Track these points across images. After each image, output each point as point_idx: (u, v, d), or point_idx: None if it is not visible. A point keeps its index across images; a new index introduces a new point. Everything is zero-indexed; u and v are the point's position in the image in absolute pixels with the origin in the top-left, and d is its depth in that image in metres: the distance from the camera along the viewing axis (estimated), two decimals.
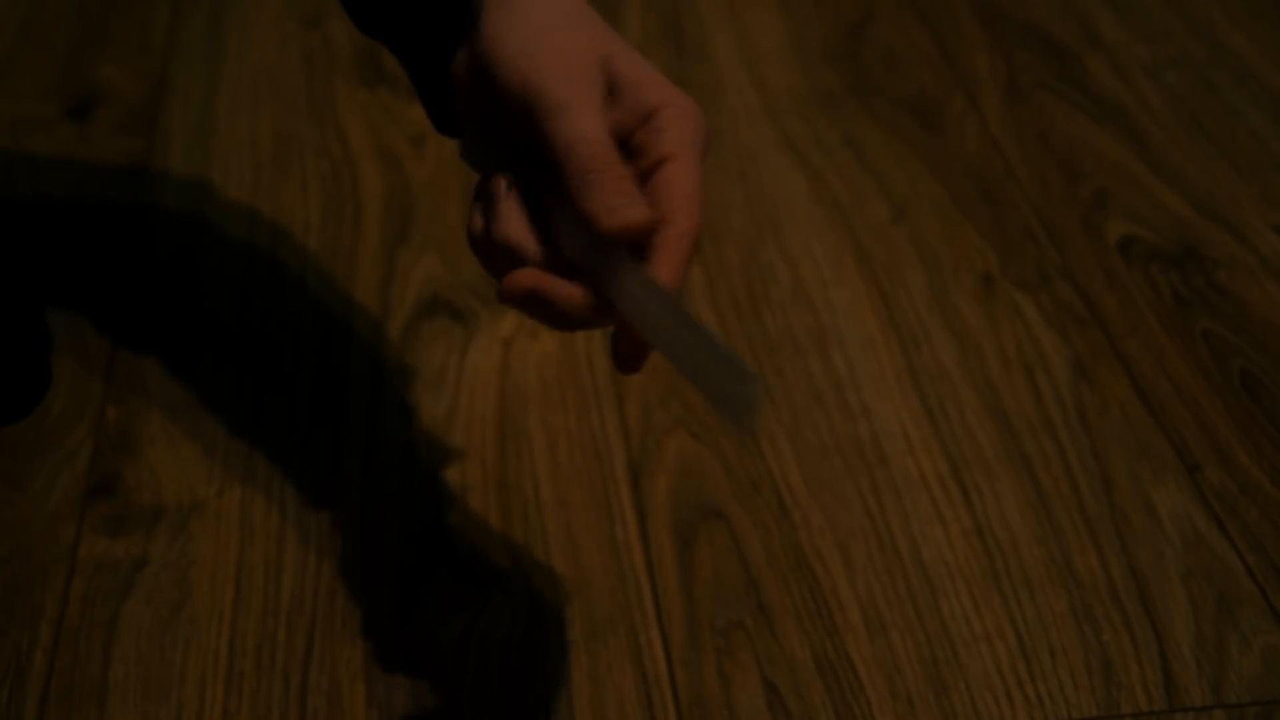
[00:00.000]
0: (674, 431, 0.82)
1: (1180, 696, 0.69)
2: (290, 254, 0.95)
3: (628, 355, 0.60)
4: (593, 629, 0.72)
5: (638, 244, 0.58)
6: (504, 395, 0.84)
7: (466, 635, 0.72)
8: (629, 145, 0.60)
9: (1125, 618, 0.72)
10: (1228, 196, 0.98)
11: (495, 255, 0.60)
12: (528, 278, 0.58)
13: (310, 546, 0.76)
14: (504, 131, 0.63)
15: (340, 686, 0.70)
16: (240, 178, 1.01)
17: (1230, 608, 0.73)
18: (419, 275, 0.92)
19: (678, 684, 0.70)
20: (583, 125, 0.59)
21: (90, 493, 0.79)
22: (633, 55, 0.62)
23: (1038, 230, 0.96)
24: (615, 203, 0.57)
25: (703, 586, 0.74)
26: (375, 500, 0.78)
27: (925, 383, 0.85)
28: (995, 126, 1.05)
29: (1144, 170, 1.01)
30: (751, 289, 0.91)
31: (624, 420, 0.83)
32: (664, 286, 0.57)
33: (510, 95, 0.60)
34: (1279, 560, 0.75)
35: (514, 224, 0.59)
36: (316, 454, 0.81)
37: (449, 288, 0.91)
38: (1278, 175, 1.00)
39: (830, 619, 0.72)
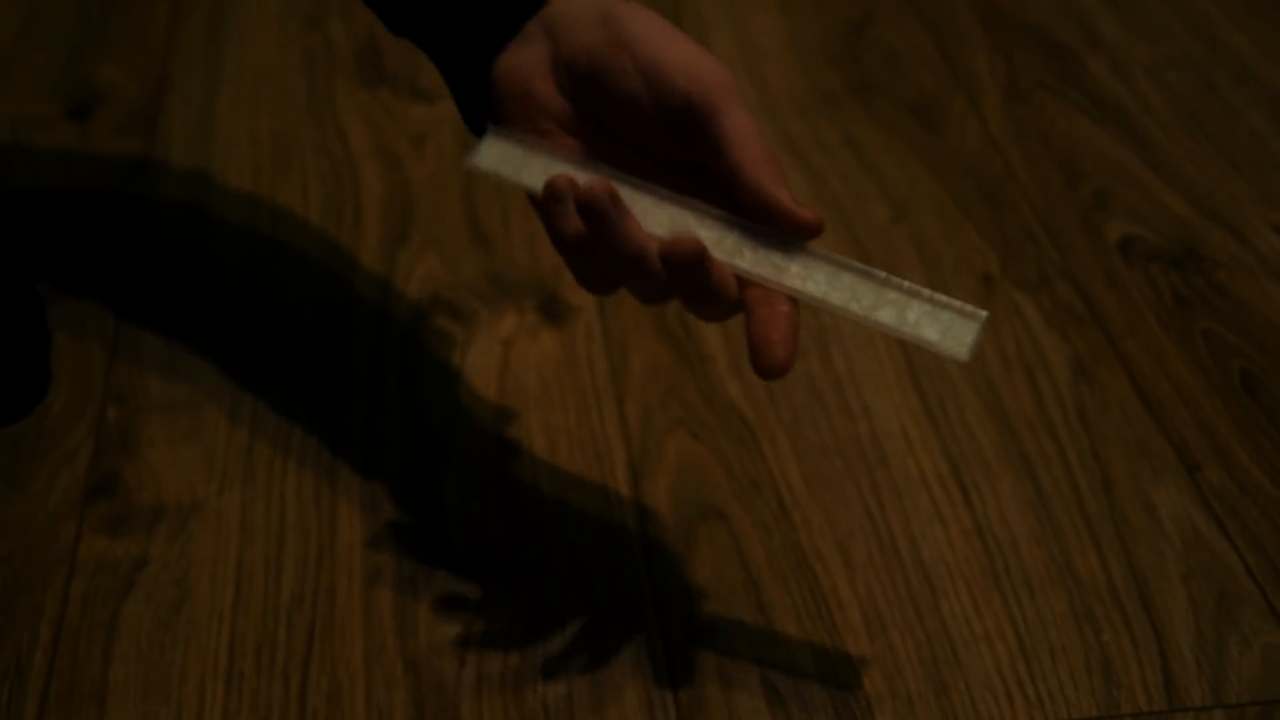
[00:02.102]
0: (674, 431, 0.82)
1: (1180, 696, 0.69)
2: (290, 254, 0.95)
3: (780, 355, 0.60)
4: (593, 629, 0.72)
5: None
6: (504, 395, 0.84)
7: (466, 635, 0.72)
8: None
9: (1125, 618, 0.72)
10: (1228, 196, 0.98)
11: (612, 263, 0.61)
12: (697, 239, 0.60)
13: (310, 546, 0.76)
14: (597, 130, 0.65)
15: (340, 686, 0.70)
16: (240, 177, 1.01)
17: (1230, 608, 0.73)
18: (419, 275, 0.92)
19: (678, 684, 0.70)
20: (750, 122, 0.63)
21: (90, 493, 0.79)
22: None
23: (1038, 230, 0.96)
24: (797, 202, 0.62)
25: (703, 586, 0.74)
26: (375, 500, 0.78)
27: (925, 383, 0.85)
28: (995, 126, 1.05)
29: (1144, 170, 1.01)
30: None
31: (624, 420, 0.83)
32: (837, 256, 0.62)
33: (671, 94, 0.63)
34: (1279, 560, 0.75)
35: (637, 231, 0.61)
36: (316, 454, 0.81)
37: (449, 288, 0.91)
38: (1278, 175, 1.00)
39: (830, 619, 0.72)
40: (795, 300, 0.62)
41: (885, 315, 0.61)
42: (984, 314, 0.61)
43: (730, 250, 0.62)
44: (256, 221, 0.97)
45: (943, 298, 0.61)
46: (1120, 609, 0.73)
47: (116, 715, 0.69)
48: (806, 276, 0.62)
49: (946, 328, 0.61)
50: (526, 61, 0.65)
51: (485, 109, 0.67)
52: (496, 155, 0.66)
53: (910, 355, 0.87)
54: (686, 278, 0.60)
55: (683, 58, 0.63)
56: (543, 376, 0.86)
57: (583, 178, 0.63)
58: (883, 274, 0.62)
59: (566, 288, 0.91)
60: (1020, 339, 0.88)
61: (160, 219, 0.98)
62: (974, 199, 0.99)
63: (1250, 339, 0.87)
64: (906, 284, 0.62)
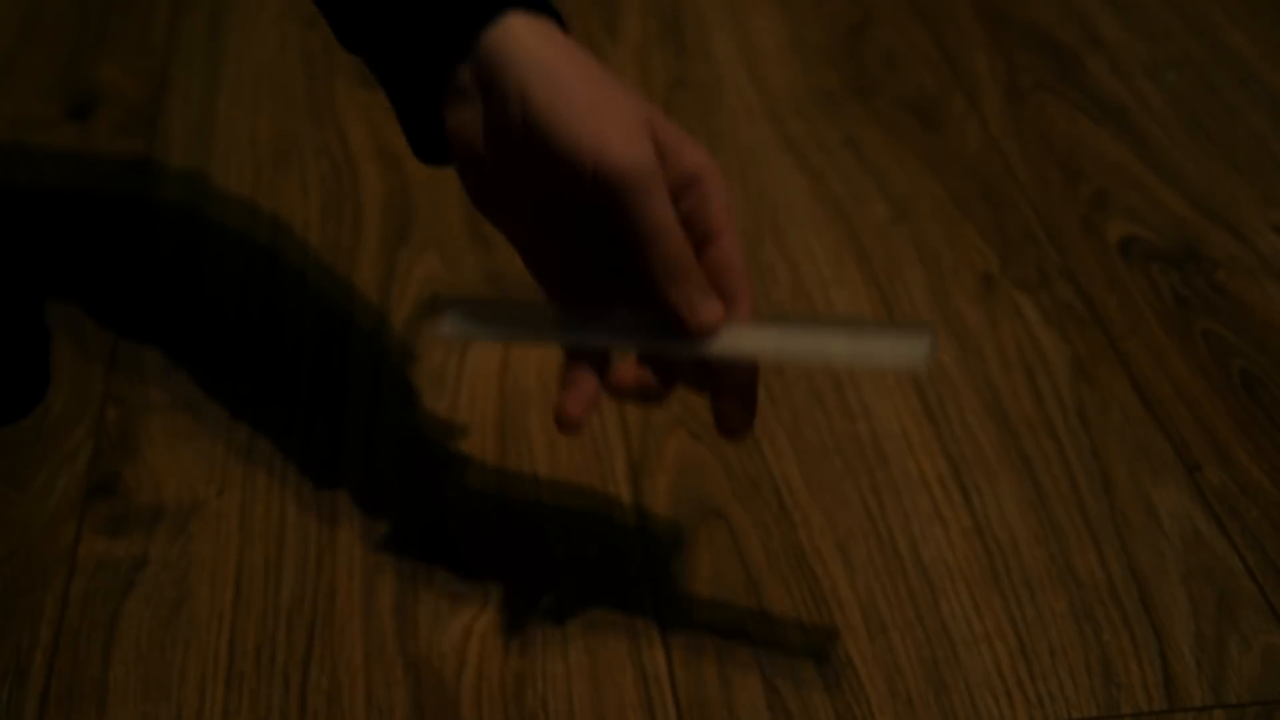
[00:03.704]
0: (674, 431, 0.82)
1: (1180, 696, 0.69)
2: (290, 254, 0.95)
3: (735, 419, 0.66)
4: (593, 629, 0.72)
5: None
6: (504, 395, 0.84)
7: (466, 635, 0.72)
8: (676, 209, 0.63)
9: (1125, 618, 0.72)
10: (1228, 196, 0.98)
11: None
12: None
13: (310, 546, 0.76)
14: (517, 186, 0.65)
15: (340, 686, 0.70)
16: (240, 178, 1.01)
17: (1230, 608, 0.73)
18: (419, 275, 0.92)
19: (678, 684, 0.70)
20: (664, 212, 0.62)
21: (90, 493, 0.79)
22: (660, 114, 0.64)
23: (1038, 230, 0.96)
24: (698, 301, 0.63)
25: (703, 586, 0.74)
26: (375, 501, 0.78)
27: (925, 383, 0.85)
28: (995, 126, 1.05)
29: (1144, 170, 1.01)
30: (751, 289, 0.91)
31: (624, 420, 0.83)
32: (761, 320, 0.65)
33: (575, 171, 0.61)
34: (1279, 560, 0.75)
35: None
36: (316, 454, 0.81)
37: (449, 287, 0.91)
38: (1278, 175, 1.00)
39: (830, 619, 0.72)
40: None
41: (837, 348, 0.64)
42: (928, 332, 0.62)
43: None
44: (256, 222, 0.97)
45: (885, 324, 0.64)
46: (1120, 609, 0.73)
47: (116, 715, 0.69)
48: (761, 345, 0.65)
49: (895, 347, 0.63)
50: (467, 125, 0.64)
51: (439, 146, 0.68)
52: (462, 323, 0.69)
53: None
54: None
55: (593, 141, 0.60)
56: (543, 376, 0.86)
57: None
58: (822, 317, 0.66)
59: None
60: (1020, 339, 0.88)
61: (160, 219, 0.98)
62: (974, 199, 0.99)
63: (1250, 339, 0.87)
64: (845, 317, 0.64)
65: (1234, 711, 0.68)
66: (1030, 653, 0.71)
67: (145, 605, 0.73)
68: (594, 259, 0.66)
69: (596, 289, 0.67)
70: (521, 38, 0.62)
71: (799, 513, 0.78)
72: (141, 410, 0.83)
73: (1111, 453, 0.81)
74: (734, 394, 0.65)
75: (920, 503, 0.78)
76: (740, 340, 0.64)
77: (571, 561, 0.75)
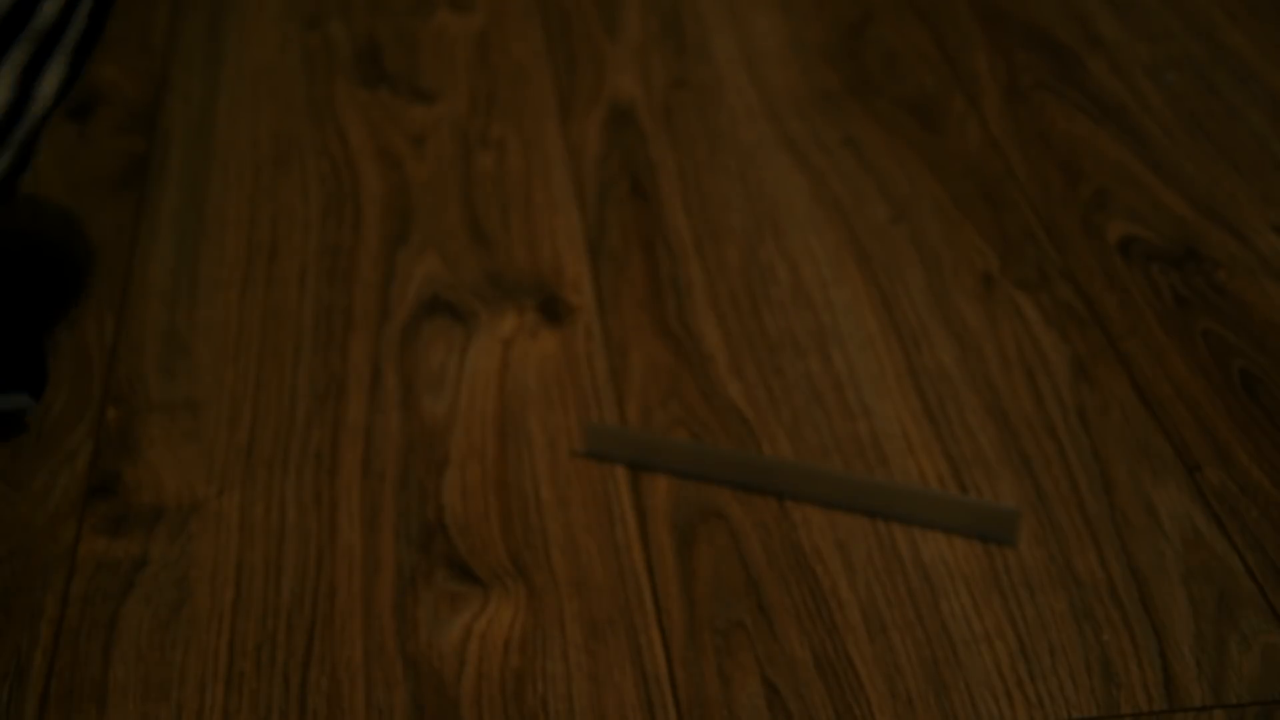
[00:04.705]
0: (674, 432, 0.82)
1: (1180, 696, 0.69)
2: (290, 254, 0.95)
3: None
4: (593, 629, 0.72)
5: None
6: (504, 395, 0.84)
7: (466, 635, 0.72)
8: None
9: (1125, 618, 0.72)
10: (1228, 196, 0.98)
11: None
12: None
13: (310, 546, 0.76)
14: None
15: (340, 686, 0.70)
16: (240, 178, 1.01)
17: (1230, 608, 0.73)
18: (419, 275, 0.92)
19: (678, 684, 0.70)
20: None
21: (90, 493, 0.79)
22: None
23: (1038, 230, 0.96)
24: None
25: (703, 586, 0.74)
26: (375, 501, 0.78)
27: (925, 383, 0.85)
28: (995, 126, 1.05)
29: (1144, 170, 1.01)
30: (751, 289, 0.91)
31: (624, 420, 0.83)
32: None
33: None
34: (1279, 560, 0.75)
35: None
36: (316, 454, 0.81)
37: (449, 288, 0.91)
38: (1278, 175, 1.00)
39: (830, 619, 0.72)
40: None
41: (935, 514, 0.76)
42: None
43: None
44: (256, 221, 0.97)
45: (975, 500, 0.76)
46: (1120, 609, 0.73)
47: (116, 715, 0.69)
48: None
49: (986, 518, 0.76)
50: None
51: None
52: (597, 442, 0.79)
53: (910, 355, 0.87)
54: None
55: None
56: (543, 376, 0.86)
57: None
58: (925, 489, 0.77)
59: (566, 288, 0.91)
60: (1020, 339, 0.88)
61: (160, 219, 0.98)
62: (974, 199, 0.99)
63: (1250, 339, 0.87)
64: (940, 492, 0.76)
65: (1234, 711, 0.68)
66: (1030, 653, 0.71)
67: (145, 605, 0.73)
68: None
69: None
70: None
71: (799, 513, 0.78)
72: (141, 410, 0.83)
73: (1111, 453, 0.81)
74: None
75: None
76: (830, 484, 0.76)
77: (571, 561, 0.75)
